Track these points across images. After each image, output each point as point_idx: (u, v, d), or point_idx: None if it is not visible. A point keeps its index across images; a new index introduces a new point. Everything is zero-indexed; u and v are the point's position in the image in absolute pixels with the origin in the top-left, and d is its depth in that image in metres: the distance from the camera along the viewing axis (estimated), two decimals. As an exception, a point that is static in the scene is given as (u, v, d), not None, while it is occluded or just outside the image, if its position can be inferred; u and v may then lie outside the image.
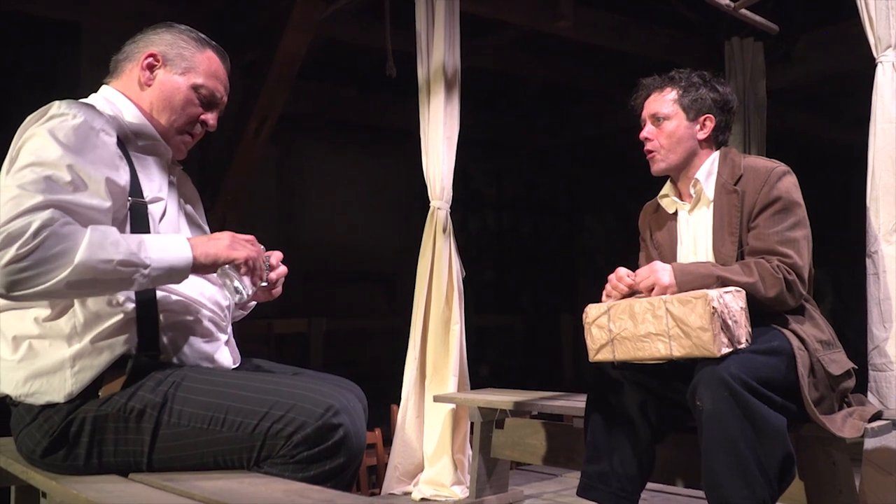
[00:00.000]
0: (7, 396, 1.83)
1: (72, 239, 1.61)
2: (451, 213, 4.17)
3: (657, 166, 2.69)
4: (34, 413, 1.78)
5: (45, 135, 1.73)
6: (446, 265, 4.09)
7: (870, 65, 3.07)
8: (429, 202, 4.16)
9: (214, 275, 1.86)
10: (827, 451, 2.43)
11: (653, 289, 2.35)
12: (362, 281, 8.27)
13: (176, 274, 1.76)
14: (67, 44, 5.57)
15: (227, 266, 1.82)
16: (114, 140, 1.84)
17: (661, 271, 2.37)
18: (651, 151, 2.69)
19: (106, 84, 2.04)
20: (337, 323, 7.17)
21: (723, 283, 2.32)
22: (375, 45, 5.32)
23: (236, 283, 1.83)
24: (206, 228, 2.17)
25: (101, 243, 1.64)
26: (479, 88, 7.04)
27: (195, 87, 2.00)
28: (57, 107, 1.80)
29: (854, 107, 3.75)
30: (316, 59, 6.48)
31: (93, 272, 1.63)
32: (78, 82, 5.32)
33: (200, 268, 1.79)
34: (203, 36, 2.07)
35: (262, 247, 1.95)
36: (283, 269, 2.09)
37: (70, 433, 1.75)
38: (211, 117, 2.05)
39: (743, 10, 3.97)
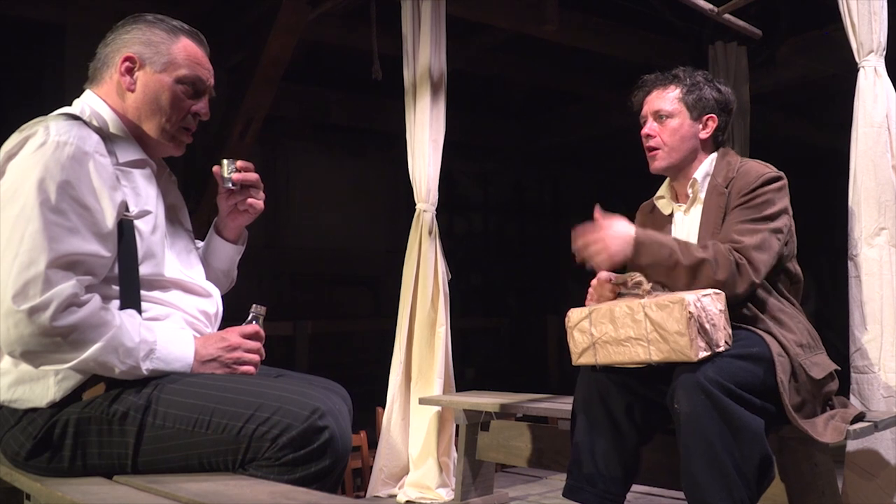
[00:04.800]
0: None
1: (93, 330, 1.70)
2: (437, 216, 4.18)
3: (658, 164, 2.66)
4: (18, 416, 1.78)
5: (37, 171, 1.71)
6: (432, 267, 4.09)
7: (852, 69, 3.09)
8: (415, 205, 4.17)
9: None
10: (809, 453, 2.44)
11: (600, 255, 2.33)
12: (348, 283, 8.26)
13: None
14: (52, 45, 5.55)
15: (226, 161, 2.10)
16: (108, 160, 1.81)
17: (610, 237, 2.34)
18: (653, 149, 2.65)
19: (88, 90, 1.99)
20: (322, 325, 7.16)
21: (677, 254, 2.31)
22: (361, 47, 5.32)
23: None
24: (190, 231, 2.16)
25: (116, 349, 1.73)
26: (466, 91, 7.06)
27: (179, 80, 1.95)
28: (43, 132, 1.74)
29: (837, 111, 3.78)
30: (302, 62, 6.48)
31: (94, 368, 1.74)
32: (62, 84, 5.29)
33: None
34: (174, 23, 2.00)
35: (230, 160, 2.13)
36: (252, 176, 2.14)
37: (54, 435, 1.75)
38: (202, 106, 2.01)
39: (726, 15, 4.00)
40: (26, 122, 1.81)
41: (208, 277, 2.15)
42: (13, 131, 1.80)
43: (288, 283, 7.65)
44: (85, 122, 1.83)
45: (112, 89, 1.96)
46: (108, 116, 1.94)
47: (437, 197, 4.18)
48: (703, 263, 2.32)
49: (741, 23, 4.18)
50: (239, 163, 2.12)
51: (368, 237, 8.27)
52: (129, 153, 1.92)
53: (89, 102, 1.96)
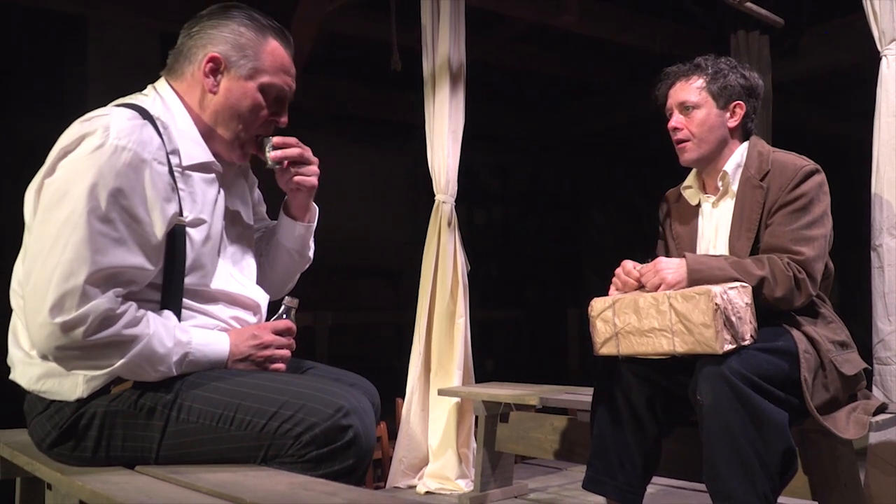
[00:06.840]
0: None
1: (126, 343, 1.68)
2: (456, 207, 4.17)
3: (688, 156, 2.61)
4: (46, 403, 1.79)
5: (90, 175, 1.65)
6: (451, 259, 4.09)
7: (875, 58, 3.06)
8: (434, 196, 4.17)
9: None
10: (831, 445, 2.43)
11: (659, 286, 2.31)
12: (367, 275, 8.27)
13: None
14: (74, 36, 5.58)
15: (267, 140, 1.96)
16: (166, 168, 1.75)
17: (666, 270, 2.32)
18: (682, 141, 2.61)
19: (165, 80, 1.91)
20: (342, 317, 7.17)
21: (734, 275, 2.28)
22: (380, 38, 5.32)
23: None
24: (252, 230, 2.11)
25: (148, 358, 1.72)
26: (485, 82, 7.05)
27: (263, 88, 1.89)
28: (102, 133, 1.67)
29: (859, 100, 3.75)
30: (321, 53, 6.48)
31: (127, 375, 1.73)
32: (86, 75, 5.32)
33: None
34: (263, 20, 1.92)
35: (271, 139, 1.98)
36: (291, 151, 2.02)
37: (80, 426, 1.75)
38: (281, 115, 1.96)
39: (748, 4, 3.97)
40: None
41: (281, 259, 2.16)
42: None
43: (307, 275, 7.66)
44: (150, 120, 1.77)
45: (192, 87, 1.88)
46: (181, 116, 1.86)
47: (456, 188, 4.18)
48: (762, 282, 2.29)
49: (763, 11, 4.14)
50: (275, 139, 1.98)
51: (387, 228, 8.27)
52: (195, 156, 1.85)
53: (164, 94, 1.89)
